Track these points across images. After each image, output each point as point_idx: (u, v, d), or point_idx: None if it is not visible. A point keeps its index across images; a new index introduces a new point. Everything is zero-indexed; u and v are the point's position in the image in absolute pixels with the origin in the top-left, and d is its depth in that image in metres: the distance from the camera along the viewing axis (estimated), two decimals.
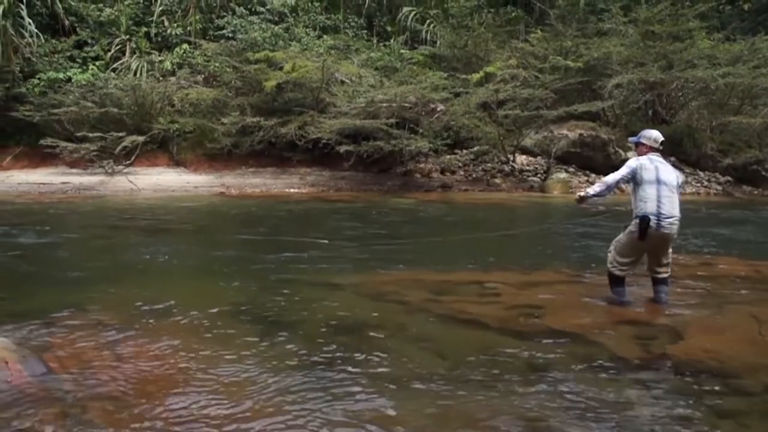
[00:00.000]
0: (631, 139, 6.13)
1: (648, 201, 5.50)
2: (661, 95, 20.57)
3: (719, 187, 19.25)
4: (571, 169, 19.52)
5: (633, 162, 5.71)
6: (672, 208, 5.50)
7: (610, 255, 5.86)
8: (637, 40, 20.45)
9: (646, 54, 19.95)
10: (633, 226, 5.63)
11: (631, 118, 21.05)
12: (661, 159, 5.71)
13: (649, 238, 5.53)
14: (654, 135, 5.83)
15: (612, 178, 5.77)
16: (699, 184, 18.86)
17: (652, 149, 5.75)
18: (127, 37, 21.06)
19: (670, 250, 5.78)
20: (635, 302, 5.86)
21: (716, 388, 3.93)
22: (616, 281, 5.83)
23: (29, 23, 19.29)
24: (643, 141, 5.81)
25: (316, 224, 11.71)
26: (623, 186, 5.98)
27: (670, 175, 5.60)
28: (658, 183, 5.52)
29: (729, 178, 19.62)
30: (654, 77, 19.18)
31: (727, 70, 18.90)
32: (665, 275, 5.79)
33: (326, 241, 6.44)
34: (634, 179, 5.64)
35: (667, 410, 3.62)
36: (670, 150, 5.88)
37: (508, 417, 3.48)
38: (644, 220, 5.48)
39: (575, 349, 4.58)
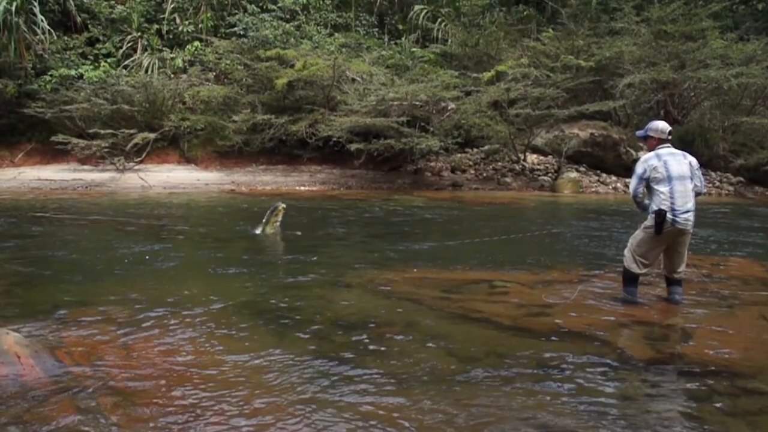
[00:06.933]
0: (638, 133, 6.02)
1: (662, 198, 5.49)
2: (673, 95, 20.47)
3: (731, 188, 19.16)
4: (581, 169, 19.48)
5: (640, 168, 5.68)
6: (685, 202, 5.48)
7: (626, 252, 5.84)
8: (649, 40, 20.35)
9: (659, 53, 19.86)
10: (649, 220, 5.61)
11: (642, 117, 20.89)
12: (670, 150, 5.65)
13: (665, 234, 5.52)
14: (661, 126, 5.75)
15: (632, 194, 5.82)
16: (711, 185, 18.72)
17: (661, 141, 5.69)
18: (139, 34, 21.15)
19: (686, 249, 5.75)
20: (647, 302, 5.84)
21: (727, 388, 3.92)
22: (630, 281, 5.81)
23: (42, 20, 19.36)
24: (651, 134, 5.74)
25: (328, 222, 11.71)
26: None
27: (682, 166, 5.55)
28: (669, 180, 5.50)
29: (741, 179, 19.51)
30: (666, 77, 19.10)
31: (740, 70, 18.78)
32: (680, 276, 5.77)
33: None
34: (647, 182, 5.63)
35: (678, 410, 3.62)
36: (681, 150, 5.80)
37: (517, 415, 3.47)
38: (660, 213, 5.47)
39: (586, 349, 4.57)
